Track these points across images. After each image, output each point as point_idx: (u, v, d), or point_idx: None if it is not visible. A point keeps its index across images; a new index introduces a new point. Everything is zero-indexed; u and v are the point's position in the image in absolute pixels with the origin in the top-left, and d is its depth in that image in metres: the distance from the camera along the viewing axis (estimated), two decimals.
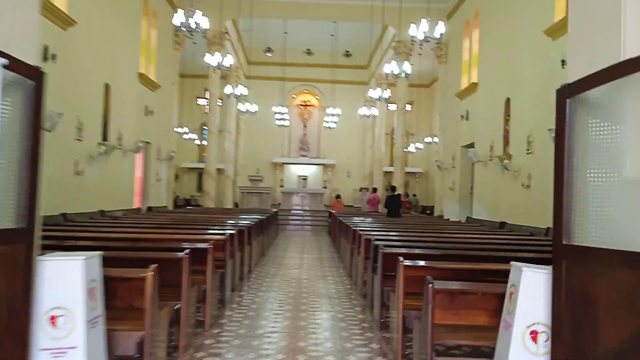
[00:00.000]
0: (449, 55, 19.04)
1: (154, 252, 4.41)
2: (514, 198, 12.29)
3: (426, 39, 9.22)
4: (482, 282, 3.84)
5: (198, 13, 9.26)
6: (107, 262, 3.85)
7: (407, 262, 4.07)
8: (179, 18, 9.27)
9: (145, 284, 3.23)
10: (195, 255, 5.08)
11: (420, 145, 26.54)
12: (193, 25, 9.18)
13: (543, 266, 2.95)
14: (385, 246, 5.33)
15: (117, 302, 3.29)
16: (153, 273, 3.27)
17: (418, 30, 9.17)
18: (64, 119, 10.06)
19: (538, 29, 11.06)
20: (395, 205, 14.08)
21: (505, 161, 12.59)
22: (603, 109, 2.59)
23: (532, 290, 2.85)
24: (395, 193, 15.11)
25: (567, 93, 2.67)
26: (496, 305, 3.19)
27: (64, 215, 10.40)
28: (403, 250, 5.27)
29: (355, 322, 5.67)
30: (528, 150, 11.51)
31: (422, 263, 4.21)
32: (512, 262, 3.09)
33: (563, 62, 9.77)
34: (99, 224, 8.89)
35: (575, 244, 2.56)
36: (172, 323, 4.10)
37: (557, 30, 10.23)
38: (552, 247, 2.68)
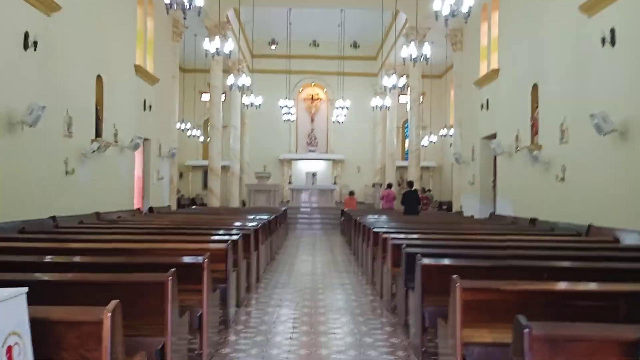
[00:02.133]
0: (465, 41, 17.90)
1: (127, 275, 3.39)
2: (545, 192, 11.19)
3: (452, 14, 8.13)
4: (581, 313, 2.80)
5: None
6: (62, 291, 2.84)
7: (468, 284, 3.02)
8: None
9: (103, 329, 2.22)
10: (189, 271, 4.08)
11: (434, 138, 25.42)
12: (186, 2, 8.11)
13: None
14: (423, 255, 4.28)
15: (64, 355, 2.28)
16: (111, 314, 2.25)
17: (443, 3, 8.07)
18: (51, 113, 9.11)
19: (571, 5, 9.95)
20: (412, 201, 13.03)
21: (535, 152, 11.47)
22: None
23: None
24: (412, 189, 14.07)
25: None
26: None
27: (53, 218, 9.45)
28: (447, 262, 4.23)
29: (388, 349, 4.64)
30: (562, 139, 10.40)
31: (484, 284, 3.16)
32: None
33: (603, 40, 8.68)
34: (82, 230, 7.90)
35: None
36: None
37: (595, 5, 9.12)
38: None
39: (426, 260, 4.11)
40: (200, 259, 4.11)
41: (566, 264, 4.46)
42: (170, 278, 3.24)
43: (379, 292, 6.94)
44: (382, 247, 6.61)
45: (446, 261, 4.29)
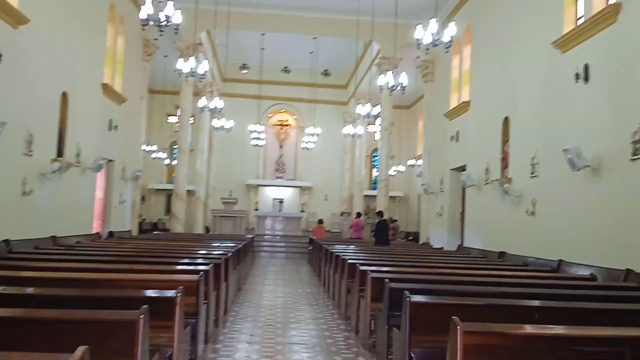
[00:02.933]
0: (436, 73, 18.16)
1: (93, 312, 3.03)
2: (515, 226, 11.20)
3: (434, 43, 8.13)
4: (585, 358, 2.60)
5: (169, 5, 7.96)
6: (17, 329, 2.50)
7: (470, 327, 2.80)
8: (146, 10, 7.94)
9: None
10: (159, 306, 3.73)
11: (402, 168, 25.54)
12: (163, 19, 7.85)
13: None
14: (411, 292, 4.05)
15: None
16: None
17: (425, 32, 8.06)
18: (11, 130, 8.60)
19: (544, 41, 10.15)
20: (385, 232, 12.88)
21: (505, 185, 11.52)
22: None
23: None
24: (382, 218, 13.94)
25: None
26: None
27: (5, 242, 8.83)
28: (439, 300, 4.00)
29: None
30: (532, 173, 10.47)
31: (486, 327, 2.94)
32: None
33: (577, 76, 8.84)
34: (38, 257, 7.36)
35: None
36: None
37: (569, 41, 9.31)
38: None
39: (416, 298, 3.88)
40: (172, 293, 3.77)
41: (555, 303, 4.31)
42: (142, 316, 2.90)
43: (354, 327, 6.65)
44: (360, 280, 6.36)
45: (436, 299, 4.07)
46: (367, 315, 5.64)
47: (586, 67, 8.61)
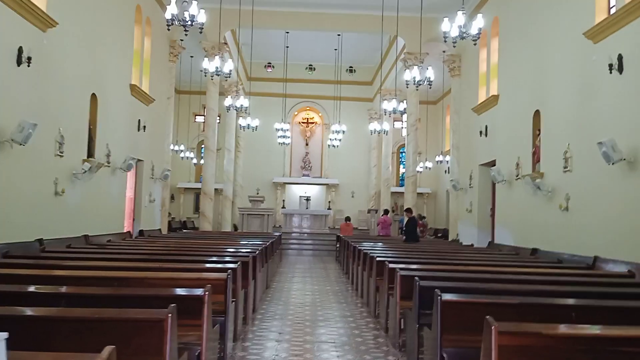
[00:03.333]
0: (463, 67, 17.87)
1: (122, 311, 3.03)
2: (547, 222, 10.93)
3: (461, 36, 7.96)
4: None
5: (194, 4, 7.99)
6: (49, 327, 2.51)
7: (505, 327, 2.70)
8: (171, 10, 8.00)
9: None
10: (187, 304, 3.72)
11: (429, 164, 25.25)
12: (187, 19, 7.88)
13: None
14: (442, 290, 3.95)
15: None
16: None
17: (452, 25, 7.90)
18: (42, 131, 8.79)
19: (575, 32, 9.85)
20: (414, 229, 12.76)
21: (537, 180, 11.25)
22: None
23: None
24: (412, 215, 13.80)
25: None
26: None
27: (39, 241, 9.02)
28: (471, 299, 3.90)
29: None
30: (565, 167, 10.20)
31: (522, 327, 2.84)
32: None
33: (611, 67, 8.55)
34: (70, 255, 7.48)
35: None
36: None
37: (601, 31, 9.03)
38: None
39: (447, 296, 3.79)
40: (200, 291, 3.76)
41: (592, 302, 4.15)
42: (170, 315, 2.89)
43: (384, 326, 6.57)
44: (389, 278, 6.27)
45: (469, 297, 3.97)
46: (397, 313, 5.55)
47: (620, 58, 8.34)
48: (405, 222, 13.48)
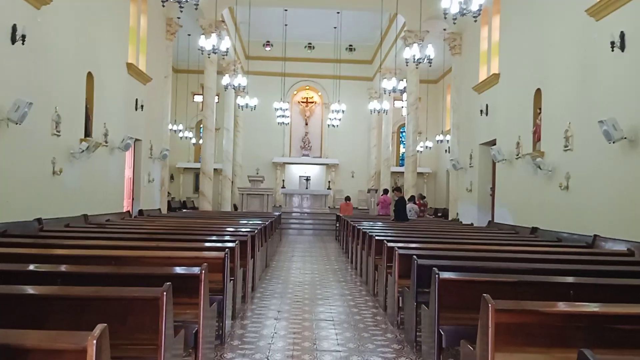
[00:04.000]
0: (464, 46, 17.67)
1: (117, 289, 3.01)
2: (547, 200, 10.91)
3: (462, 12, 7.83)
4: (626, 338, 2.47)
5: None
6: (45, 305, 2.50)
7: (502, 305, 2.68)
8: None
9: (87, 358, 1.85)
10: (184, 283, 3.71)
11: (429, 144, 25.17)
12: None
13: None
14: (440, 268, 3.93)
15: None
16: (97, 341, 1.89)
17: (452, 1, 7.77)
18: (38, 110, 8.71)
19: (577, 9, 9.70)
20: (403, 208, 12.82)
21: (538, 159, 11.19)
22: None
23: None
24: (401, 195, 13.87)
25: None
26: None
27: (38, 220, 9.01)
28: (468, 277, 3.89)
29: None
30: (566, 146, 10.13)
31: (519, 305, 2.82)
32: None
33: (612, 44, 8.43)
34: (68, 234, 7.48)
35: None
36: None
37: (603, 8, 8.88)
38: None
39: (445, 275, 3.77)
40: (196, 270, 3.75)
41: (591, 280, 4.14)
42: (165, 293, 2.87)
43: (382, 304, 6.59)
44: (387, 256, 6.26)
45: (467, 276, 3.95)
46: (395, 292, 5.56)
47: (622, 35, 8.21)
48: (396, 202, 13.50)
